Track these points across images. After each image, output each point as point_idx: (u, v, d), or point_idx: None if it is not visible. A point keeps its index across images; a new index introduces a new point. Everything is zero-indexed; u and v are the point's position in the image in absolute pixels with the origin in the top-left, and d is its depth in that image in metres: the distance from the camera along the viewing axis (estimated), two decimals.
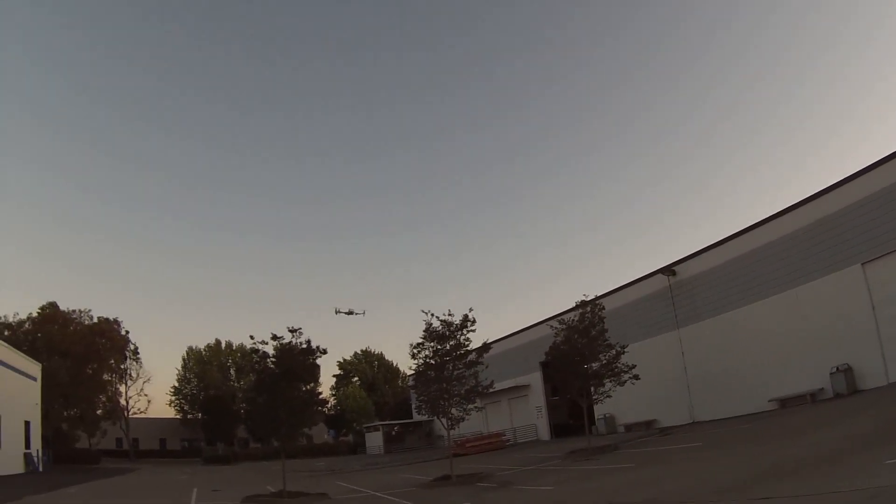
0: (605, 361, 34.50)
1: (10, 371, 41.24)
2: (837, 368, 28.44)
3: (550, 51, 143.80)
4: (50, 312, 65.56)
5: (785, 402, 31.23)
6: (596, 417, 43.08)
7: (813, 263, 30.55)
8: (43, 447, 47.91)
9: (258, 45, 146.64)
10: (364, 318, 73.09)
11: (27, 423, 44.05)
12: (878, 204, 27.31)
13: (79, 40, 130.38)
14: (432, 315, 33.60)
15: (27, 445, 43.39)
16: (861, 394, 27.13)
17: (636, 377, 34.64)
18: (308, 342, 39.22)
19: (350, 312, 71.84)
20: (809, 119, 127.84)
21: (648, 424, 40.63)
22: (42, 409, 48.89)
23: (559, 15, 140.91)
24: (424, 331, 33.32)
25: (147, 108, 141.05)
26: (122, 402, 71.61)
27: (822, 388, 29.46)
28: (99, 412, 67.99)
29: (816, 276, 30.40)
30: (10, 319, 64.03)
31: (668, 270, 39.06)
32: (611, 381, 34.34)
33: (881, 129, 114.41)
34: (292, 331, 37.26)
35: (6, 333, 58.74)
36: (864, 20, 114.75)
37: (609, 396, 34.68)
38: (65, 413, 63.12)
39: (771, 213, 33.67)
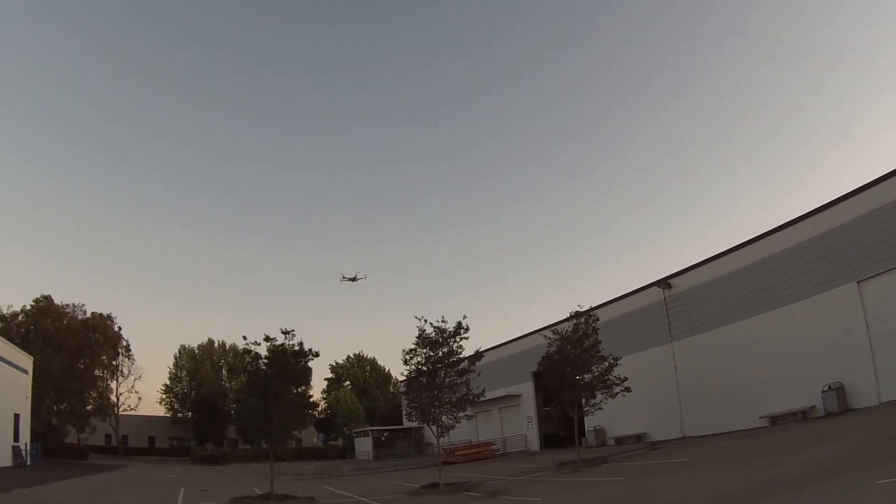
0: (597, 373, 34.44)
1: (1, 363, 41.11)
2: (830, 387, 28.39)
3: (551, 73, 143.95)
4: (44, 305, 65.30)
5: (775, 420, 31.16)
6: (586, 429, 42.95)
7: (809, 280, 30.48)
8: (32, 441, 47.71)
9: (253, 54, 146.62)
10: (367, 283, 72.67)
11: (17, 416, 43.87)
12: (874, 222, 27.24)
13: (78, 44, 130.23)
14: (425, 321, 33.62)
15: (16, 438, 43.21)
16: (853, 413, 27.01)
17: (628, 390, 34.58)
18: (301, 344, 39.12)
19: (354, 278, 71.46)
20: (808, 136, 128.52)
21: (639, 438, 40.56)
22: (32, 403, 48.70)
23: (549, 45, 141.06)
24: (417, 337, 33.26)
25: (145, 110, 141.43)
26: (113, 398, 71.27)
27: (814, 406, 29.39)
28: (89, 407, 67.62)
29: (812, 294, 30.33)
30: (4, 311, 63.79)
31: (664, 283, 39.03)
32: (602, 393, 34.27)
33: (879, 148, 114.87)
34: (285, 332, 37.18)
35: None
36: (865, 44, 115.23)
37: (600, 408, 34.59)
38: (55, 407, 62.78)
39: (768, 229, 33.61)
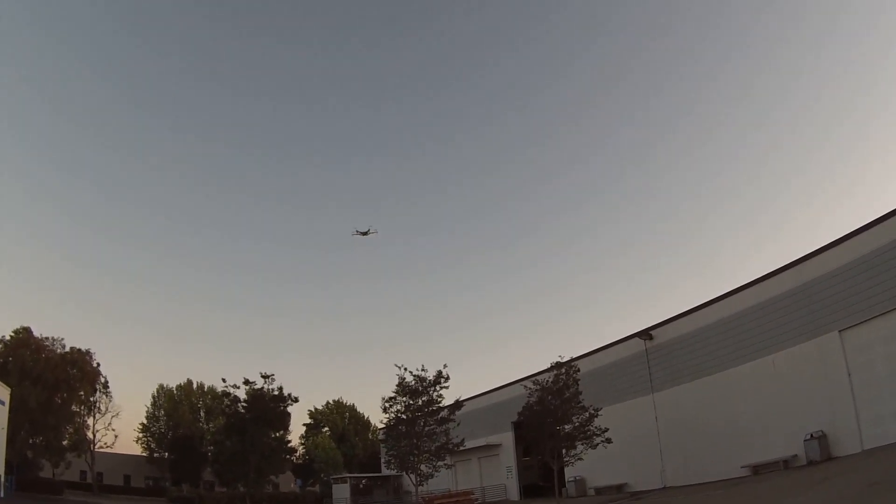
0: (577, 423, 34.38)
1: None
2: (812, 435, 28.31)
3: (538, 110, 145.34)
4: (23, 337, 64.24)
5: (757, 469, 30.95)
6: (566, 479, 42.53)
7: (791, 330, 30.54)
8: (6, 473, 46.72)
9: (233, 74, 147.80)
10: (378, 237, 70.20)
11: None
12: (855, 272, 27.41)
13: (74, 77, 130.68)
14: (406, 370, 33.68)
15: None
16: (835, 460, 26.89)
17: (608, 440, 34.48)
18: (280, 389, 39.29)
19: (366, 233, 69.68)
20: (789, 187, 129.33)
21: (619, 488, 40.20)
22: (7, 434, 47.81)
23: (537, 79, 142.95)
24: (397, 385, 33.39)
25: (129, 143, 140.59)
26: (90, 434, 69.93)
27: (796, 455, 29.22)
28: (65, 442, 66.33)
29: (794, 343, 30.34)
30: None
31: (645, 334, 39.07)
32: (583, 444, 34.18)
33: (860, 198, 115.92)
34: (265, 377, 37.35)
35: None
36: (846, 88, 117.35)
37: (581, 459, 34.45)
38: (31, 440, 61.49)
39: (750, 280, 33.76)
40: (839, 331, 28.06)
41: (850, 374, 27.55)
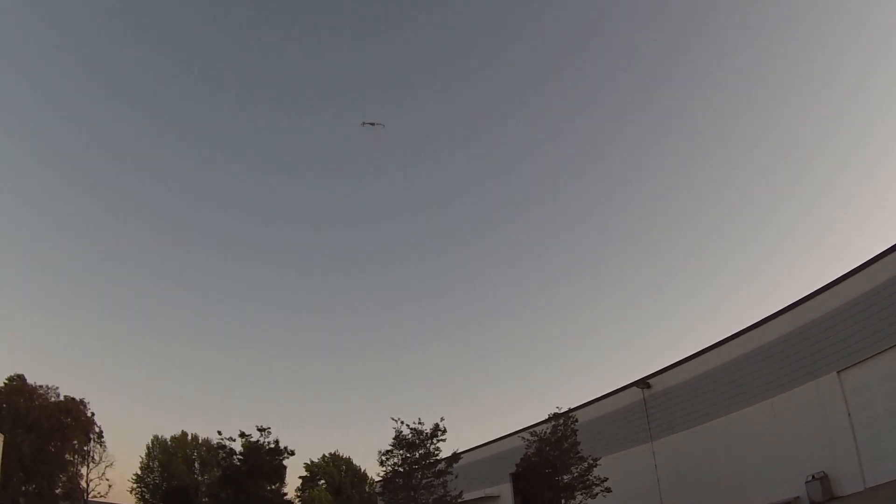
0: (576, 474, 34.19)
1: None
2: (813, 476, 28.08)
3: (533, 175, 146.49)
4: (17, 384, 64.36)
5: None
6: None
7: (789, 373, 30.45)
8: None
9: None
10: (385, 130, 66.02)
11: None
12: (851, 312, 27.40)
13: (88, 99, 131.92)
14: (402, 423, 33.52)
15: None
16: (838, 500, 26.76)
17: (608, 490, 34.23)
18: (276, 442, 39.08)
19: (373, 123, 66.36)
20: (787, 234, 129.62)
21: None
22: (0, 482, 47.55)
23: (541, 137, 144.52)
24: (394, 438, 33.19)
25: (120, 201, 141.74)
26: (83, 483, 69.40)
27: (798, 497, 29.00)
28: (58, 491, 65.94)
29: (792, 386, 30.21)
30: None
31: (643, 383, 39.01)
32: (582, 494, 33.94)
33: (855, 241, 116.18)
34: (261, 430, 37.06)
35: None
36: (850, 130, 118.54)
37: None
38: (23, 488, 61.27)
39: (746, 325, 33.78)
40: (837, 371, 28.04)
41: (849, 414, 27.45)
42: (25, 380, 65.29)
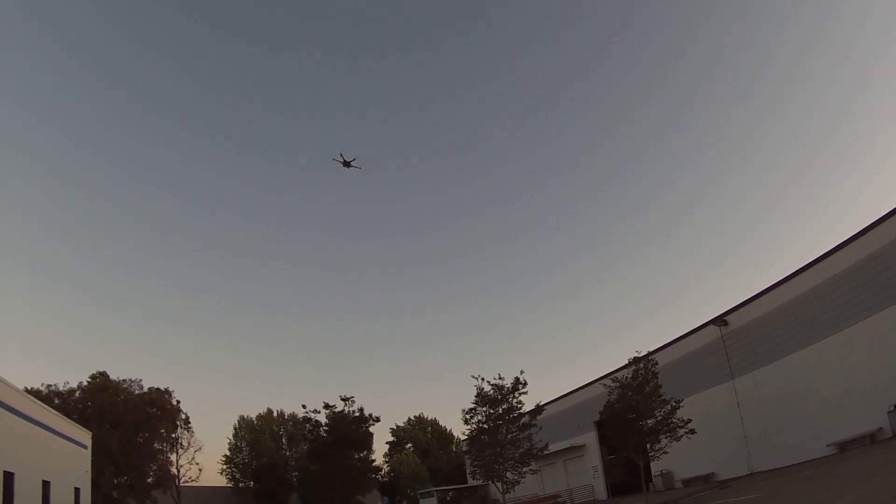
0: (660, 417, 34.00)
1: (59, 438, 41.70)
2: (895, 406, 27.62)
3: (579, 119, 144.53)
4: (100, 382, 66.16)
5: (844, 446, 30.13)
6: (653, 474, 42.08)
7: (863, 302, 29.67)
8: None
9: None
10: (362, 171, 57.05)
11: (77, 490, 44.30)
12: None
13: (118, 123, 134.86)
14: (483, 379, 33.72)
15: None
16: None
17: (692, 431, 33.99)
18: (361, 410, 39.66)
19: (349, 163, 58.32)
20: (853, 159, 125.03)
21: (706, 478, 39.59)
22: (92, 477, 49.21)
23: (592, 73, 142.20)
24: (476, 395, 33.46)
25: (195, 182, 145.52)
26: (174, 470, 71.61)
27: (881, 428, 28.40)
28: (150, 480, 67.91)
29: (868, 315, 29.50)
30: (61, 388, 64.57)
31: (720, 321, 38.47)
32: (666, 437, 33.79)
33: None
34: (345, 399, 37.79)
35: (56, 402, 59.26)
36: None
37: (665, 453, 34.02)
38: (115, 481, 63.17)
39: (817, 256, 33.07)
40: None
41: None
42: (108, 376, 67.09)
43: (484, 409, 33.58)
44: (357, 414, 36.39)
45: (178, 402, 69.48)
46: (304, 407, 37.37)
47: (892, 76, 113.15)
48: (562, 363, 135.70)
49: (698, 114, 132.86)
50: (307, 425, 38.70)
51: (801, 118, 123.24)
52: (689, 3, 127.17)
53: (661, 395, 34.14)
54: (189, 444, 71.60)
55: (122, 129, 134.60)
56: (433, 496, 67.74)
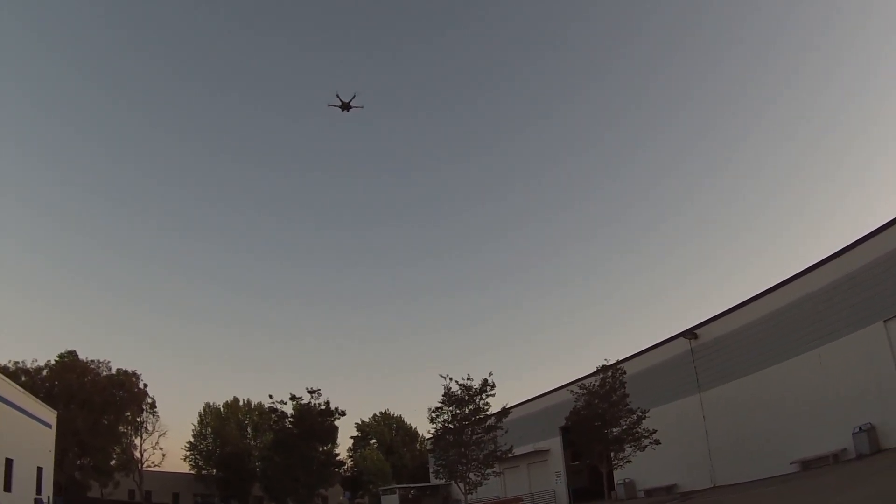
0: (625, 426, 34.18)
1: (24, 416, 41.13)
2: (860, 428, 27.72)
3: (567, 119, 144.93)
4: (69, 361, 65.43)
5: (807, 464, 30.37)
6: (615, 483, 42.25)
7: (834, 322, 29.92)
8: (55, 494, 47.49)
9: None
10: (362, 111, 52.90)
11: (40, 469, 43.74)
12: None
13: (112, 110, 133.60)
14: (451, 379, 33.73)
15: (38, 491, 43.03)
16: (884, 453, 26.27)
17: (657, 442, 34.18)
18: (327, 403, 39.51)
19: (348, 104, 54.94)
20: (829, 177, 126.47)
21: (669, 489, 39.78)
22: (56, 456, 48.64)
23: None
24: (443, 395, 33.46)
25: (175, 167, 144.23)
26: (137, 454, 70.92)
27: (845, 449, 28.65)
28: (113, 463, 67.28)
29: (839, 336, 29.77)
30: (29, 365, 63.81)
31: (690, 334, 38.70)
32: (631, 446, 33.96)
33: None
34: (311, 392, 37.59)
35: (23, 379, 58.50)
36: None
37: (629, 461, 34.19)
38: (78, 462, 62.56)
39: (792, 274, 33.28)
40: (884, 321, 27.49)
41: None
42: (77, 356, 66.36)
43: (450, 408, 33.58)
44: (323, 407, 36.18)
45: (146, 385, 68.99)
46: (270, 397, 37.20)
47: (868, 104, 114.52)
48: (530, 367, 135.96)
49: (677, 126, 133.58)
50: (273, 416, 38.43)
51: (778, 138, 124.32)
52: (686, 3, 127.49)
53: (627, 405, 34.32)
54: (154, 428, 70.93)
55: (91, 97, 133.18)
56: (395, 493, 67.67)
